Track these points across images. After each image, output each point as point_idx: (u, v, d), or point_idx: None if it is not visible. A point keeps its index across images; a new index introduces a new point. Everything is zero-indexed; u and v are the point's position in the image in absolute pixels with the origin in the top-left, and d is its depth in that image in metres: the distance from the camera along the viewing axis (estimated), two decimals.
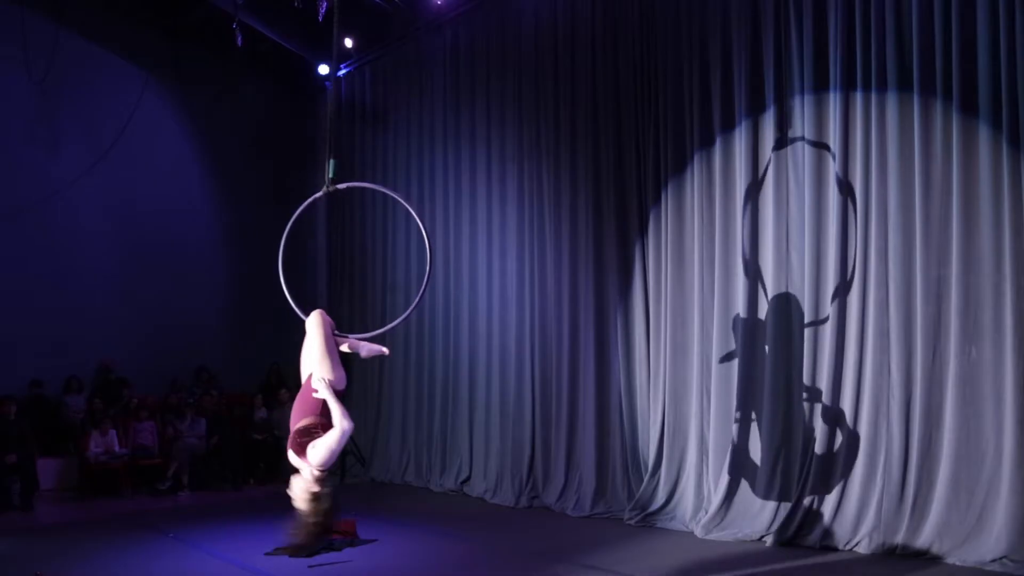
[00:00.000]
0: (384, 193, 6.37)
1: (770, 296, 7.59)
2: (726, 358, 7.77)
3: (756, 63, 7.78)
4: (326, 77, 13.09)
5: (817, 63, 7.34)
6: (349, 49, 12.25)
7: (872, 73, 6.96)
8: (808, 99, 7.39)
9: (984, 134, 6.33)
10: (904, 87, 6.80)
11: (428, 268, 5.97)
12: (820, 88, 7.34)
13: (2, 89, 11.18)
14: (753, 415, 7.65)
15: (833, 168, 7.19)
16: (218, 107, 13.18)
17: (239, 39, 10.77)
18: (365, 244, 12.37)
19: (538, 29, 9.84)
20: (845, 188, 7.11)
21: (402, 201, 6.41)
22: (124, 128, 11.94)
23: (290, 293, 5.59)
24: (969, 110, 6.41)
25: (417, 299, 5.93)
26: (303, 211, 5.86)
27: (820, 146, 7.32)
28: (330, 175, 5.74)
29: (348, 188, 6.44)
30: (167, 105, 12.76)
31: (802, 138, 7.43)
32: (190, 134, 13.06)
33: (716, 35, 8.05)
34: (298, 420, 4.95)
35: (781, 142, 7.58)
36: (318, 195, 5.81)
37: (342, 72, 12.92)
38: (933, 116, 6.61)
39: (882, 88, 6.91)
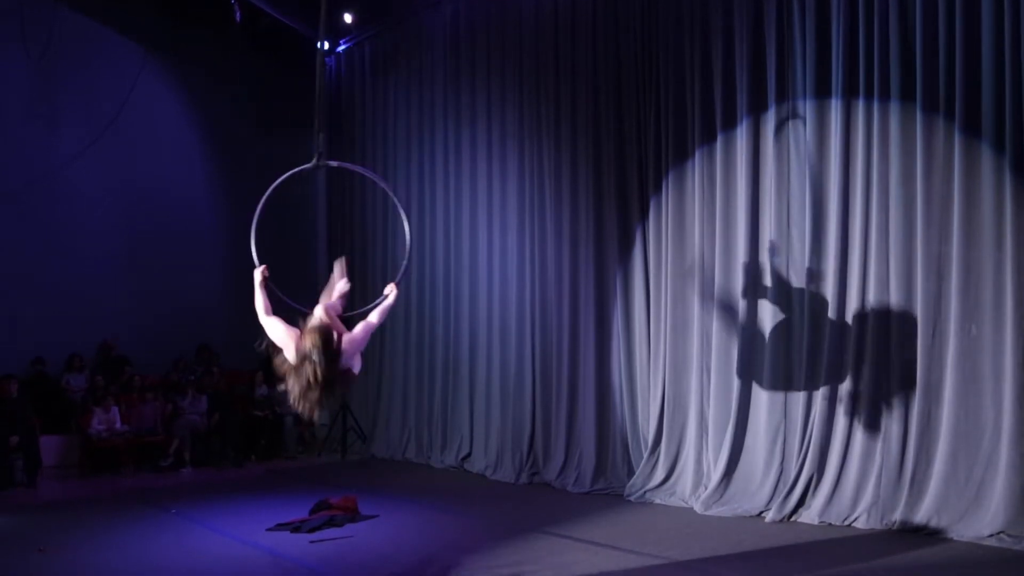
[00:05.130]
0: (371, 176, 6.68)
1: (770, 273, 7.58)
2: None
3: (757, 37, 7.72)
4: (326, 53, 13.00)
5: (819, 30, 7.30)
6: (349, 25, 12.18)
7: (874, 54, 6.91)
8: (809, 82, 7.34)
9: (987, 107, 6.29)
10: (907, 62, 6.77)
11: (408, 248, 5.98)
12: (822, 57, 7.30)
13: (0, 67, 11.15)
14: (753, 391, 7.67)
15: (835, 143, 7.16)
16: (217, 84, 13.12)
17: (238, 15, 10.71)
18: (365, 222, 12.35)
19: (539, 3, 9.76)
20: (846, 164, 7.08)
21: (385, 186, 6.44)
22: (123, 105, 11.89)
23: (257, 251, 5.50)
24: (972, 83, 6.37)
25: (400, 274, 5.92)
26: (287, 180, 5.79)
27: (822, 121, 7.29)
28: (319, 149, 5.73)
29: (339, 167, 6.46)
30: (166, 82, 12.70)
31: (804, 116, 7.39)
32: (189, 111, 13.01)
33: (718, 9, 7.99)
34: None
35: (783, 116, 7.54)
36: (307, 167, 5.79)
37: (341, 48, 12.86)
38: (936, 95, 6.58)
39: (884, 70, 6.87)
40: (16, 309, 10.98)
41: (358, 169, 7.25)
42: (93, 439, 10.66)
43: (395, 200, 6.50)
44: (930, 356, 6.57)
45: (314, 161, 5.75)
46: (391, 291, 5.55)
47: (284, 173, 5.81)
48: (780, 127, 7.53)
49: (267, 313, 5.13)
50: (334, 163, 5.99)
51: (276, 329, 5.03)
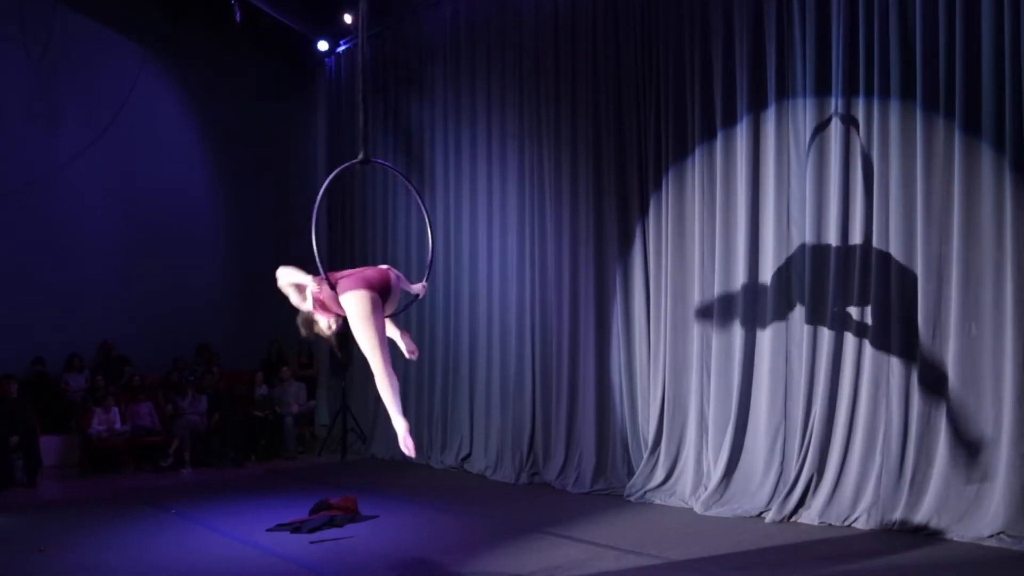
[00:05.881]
0: (396, 175, 6.49)
1: (770, 273, 7.58)
2: None
3: (757, 36, 7.71)
4: (327, 53, 13.02)
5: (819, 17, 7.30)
6: (348, 25, 12.18)
7: (875, 48, 6.91)
8: (810, 72, 7.34)
9: (987, 107, 6.29)
10: (907, 62, 6.76)
11: (430, 260, 5.96)
12: (822, 56, 7.29)
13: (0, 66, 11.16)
14: (753, 392, 7.66)
15: (835, 142, 7.15)
16: (217, 84, 13.13)
17: (237, 15, 10.71)
18: (366, 221, 12.34)
19: (539, 3, 9.76)
20: (846, 163, 7.08)
21: (418, 195, 6.39)
22: (122, 106, 11.90)
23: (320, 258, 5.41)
24: (972, 83, 6.36)
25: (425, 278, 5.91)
26: (336, 177, 5.79)
27: (822, 123, 7.29)
28: (365, 147, 5.68)
29: (382, 166, 6.42)
30: (166, 82, 12.72)
31: (804, 110, 7.39)
32: (189, 111, 13.02)
33: (718, 9, 7.98)
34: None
35: (783, 116, 7.54)
36: (354, 163, 5.74)
37: (341, 48, 12.85)
38: (936, 95, 6.57)
39: (884, 69, 6.87)
40: (16, 309, 10.99)
41: (399, 172, 7.03)
42: (93, 439, 10.66)
43: (424, 209, 6.49)
44: (930, 356, 6.57)
45: (360, 156, 5.68)
46: (421, 289, 5.58)
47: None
48: (780, 125, 7.53)
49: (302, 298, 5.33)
50: (378, 161, 5.91)
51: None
